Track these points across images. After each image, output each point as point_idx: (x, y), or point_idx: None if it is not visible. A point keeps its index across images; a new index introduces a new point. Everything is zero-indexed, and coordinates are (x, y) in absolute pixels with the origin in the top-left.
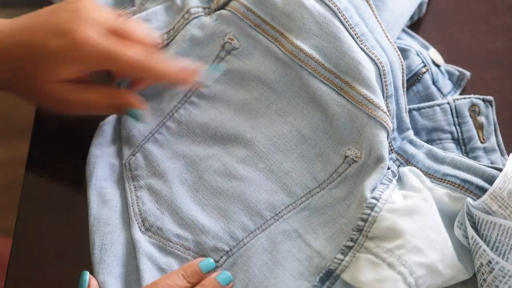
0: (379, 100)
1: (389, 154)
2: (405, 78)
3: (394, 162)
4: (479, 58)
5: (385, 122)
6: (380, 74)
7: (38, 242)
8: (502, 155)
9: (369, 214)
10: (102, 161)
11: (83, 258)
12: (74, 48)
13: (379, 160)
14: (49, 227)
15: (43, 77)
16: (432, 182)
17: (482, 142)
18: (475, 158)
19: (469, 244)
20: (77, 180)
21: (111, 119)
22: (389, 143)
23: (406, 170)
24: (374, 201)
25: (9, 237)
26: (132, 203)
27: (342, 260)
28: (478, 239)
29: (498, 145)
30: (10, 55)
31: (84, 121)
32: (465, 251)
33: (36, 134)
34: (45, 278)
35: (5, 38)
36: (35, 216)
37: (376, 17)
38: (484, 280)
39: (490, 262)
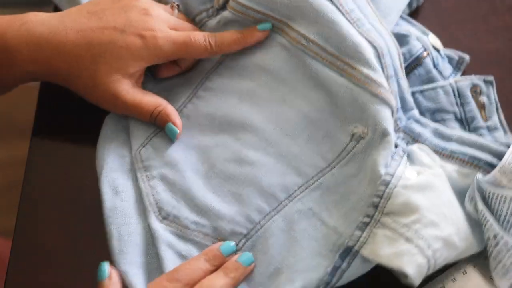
0: (381, 78)
1: (396, 133)
2: (402, 60)
3: (402, 140)
4: (479, 58)
5: (388, 98)
6: (379, 56)
7: (38, 242)
8: (505, 133)
9: (384, 191)
10: (111, 153)
11: (83, 258)
12: (153, 45)
13: (384, 134)
14: (49, 227)
15: (107, 73)
16: (441, 159)
17: (485, 121)
18: (479, 136)
19: (479, 217)
20: (77, 180)
21: (116, 114)
22: (395, 122)
23: (415, 147)
24: (388, 177)
25: (9, 237)
26: (146, 193)
27: (360, 236)
28: (487, 213)
29: (501, 123)
30: (69, 55)
31: (84, 121)
32: (476, 225)
33: (36, 134)
34: (45, 278)
35: (61, 35)
36: (35, 216)
37: (369, 5)
38: (490, 253)
39: (495, 236)
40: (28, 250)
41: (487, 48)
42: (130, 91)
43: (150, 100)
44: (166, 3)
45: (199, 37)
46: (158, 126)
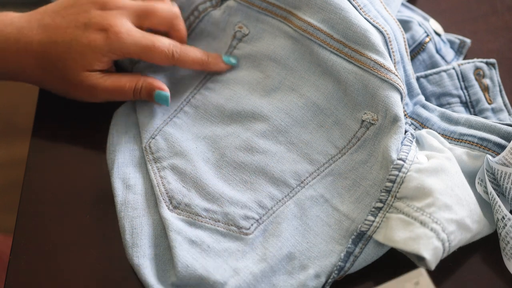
0: (390, 64)
1: (404, 118)
2: (407, 46)
3: (410, 126)
4: (479, 58)
5: (397, 84)
6: (386, 42)
7: (38, 242)
8: (510, 114)
9: (397, 175)
10: (121, 148)
11: (83, 258)
12: (114, 41)
13: (395, 119)
14: (49, 227)
15: (75, 70)
16: (450, 142)
17: (489, 103)
18: (484, 118)
19: (489, 199)
20: (77, 180)
21: (124, 108)
22: (402, 107)
23: (423, 132)
24: (400, 162)
25: (10, 236)
26: (157, 183)
27: (373, 221)
28: (495, 195)
29: (505, 105)
30: (37, 53)
31: (84, 121)
32: (487, 207)
33: (36, 134)
34: (45, 278)
35: (28, 35)
36: (35, 216)
37: None
38: (500, 234)
39: (503, 218)
40: (28, 249)
41: (487, 48)
42: (105, 78)
43: (127, 78)
44: None
45: (164, 44)
46: (145, 99)
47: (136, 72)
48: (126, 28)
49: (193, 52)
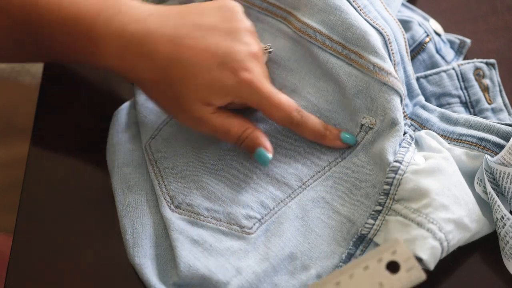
0: (389, 67)
1: (403, 119)
2: (408, 47)
3: (409, 127)
4: (479, 58)
5: (397, 87)
6: (386, 43)
7: (38, 242)
8: (510, 114)
9: (394, 177)
10: (121, 148)
11: (84, 258)
12: (245, 88)
13: (393, 123)
14: (49, 227)
15: (194, 99)
16: (449, 143)
17: (489, 104)
18: (484, 118)
19: (489, 199)
20: (77, 180)
21: (124, 107)
22: (402, 109)
23: (422, 133)
24: (397, 164)
25: (10, 236)
26: (158, 184)
27: (373, 224)
28: (494, 194)
29: (505, 105)
30: (159, 63)
31: (83, 121)
32: (487, 206)
33: (36, 134)
34: (45, 278)
35: (160, 43)
36: (35, 216)
37: None
38: (499, 234)
39: (502, 217)
40: (28, 249)
41: (487, 48)
42: (216, 115)
43: (238, 122)
44: None
45: (289, 104)
46: (245, 150)
47: (246, 119)
48: (260, 79)
49: (312, 122)
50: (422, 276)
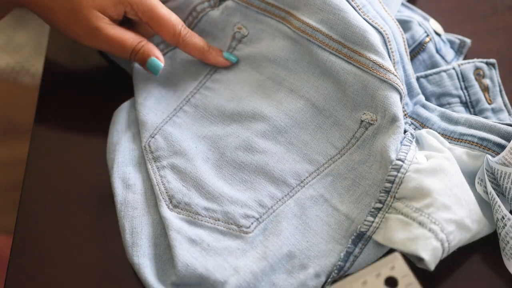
0: (389, 64)
1: (404, 118)
2: (407, 46)
3: (409, 126)
4: (479, 58)
5: (397, 84)
6: (385, 42)
7: (38, 242)
8: (510, 114)
9: (396, 176)
10: (121, 147)
11: (83, 257)
12: None
13: (394, 119)
14: (49, 227)
15: (87, 5)
16: (449, 142)
17: (489, 104)
18: (484, 118)
19: (489, 199)
20: (77, 180)
21: (124, 107)
22: (402, 107)
23: (423, 132)
24: (399, 162)
25: (10, 236)
26: (157, 183)
27: (372, 222)
28: (495, 195)
29: (505, 105)
30: None
31: (83, 121)
32: (487, 206)
33: (36, 134)
34: (45, 278)
35: None
36: (35, 216)
37: None
38: (499, 234)
39: (503, 217)
40: (28, 249)
41: (487, 48)
42: (112, 26)
43: (133, 35)
44: None
45: (177, 20)
46: (138, 62)
47: (142, 36)
48: None
49: (198, 38)
50: None
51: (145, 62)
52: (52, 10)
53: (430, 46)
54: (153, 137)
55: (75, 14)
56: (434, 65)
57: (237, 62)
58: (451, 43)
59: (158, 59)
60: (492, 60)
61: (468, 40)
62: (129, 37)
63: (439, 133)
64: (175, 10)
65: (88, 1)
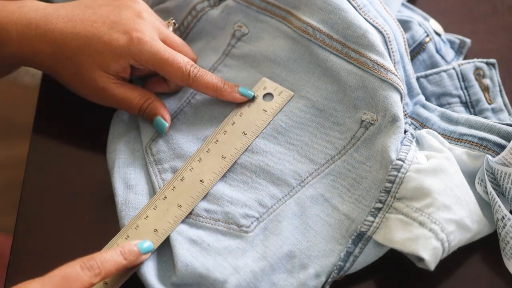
0: (389, 64)
1: (404, 118)
2: (407, 46)
3: (409, 126)
4: (479, 58)
5: (397, 84)
6: (386, 42)
7: (38, 242)
8: (510, 114)
9: (396, 175)
10: (122, 148)
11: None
12: (136, 46)
13: (394, 119)
14: (49, 227)
15: (90, 67)
16: (449, 142)
17: (489, 103)
18: (484, 118)
19: (489, 199)
20: (77, 180)
21: None
22: (402, 107)
23: (423, 132)
24: (399, 162)
25: (10, 236)
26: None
27: (373, 221)
28: (495, 195)
29: (505, 105)
30: (55, 41)
31: (84, 121)
32: (487, 207)
33: (36, 134)
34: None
35: (52, 22)
36: (35, 216)
37: None
38: (499, 234)
39: (503, 217)
40: (28, 249)
41: (487, 48)
42: (118, 85)
43: (139, 93)
44: None
45: (183, 61)
46: (146, 119)
47: (149, 91)
48: (151, 37)
49: (210, 77)
50: (291, 93)
51: (152, 120)
52: (59, 74)
53: (430, 46)
54: (154, 139)
55: (81, 76)
56: (434, 65)
57: (236, 58)
58: (451, 43)
59: (164, 118)
60: (492, 60)
61: (468, 40)
62: (135, 95)
63: (439, 133)
64: (174, 9)
65: (91, 62)
